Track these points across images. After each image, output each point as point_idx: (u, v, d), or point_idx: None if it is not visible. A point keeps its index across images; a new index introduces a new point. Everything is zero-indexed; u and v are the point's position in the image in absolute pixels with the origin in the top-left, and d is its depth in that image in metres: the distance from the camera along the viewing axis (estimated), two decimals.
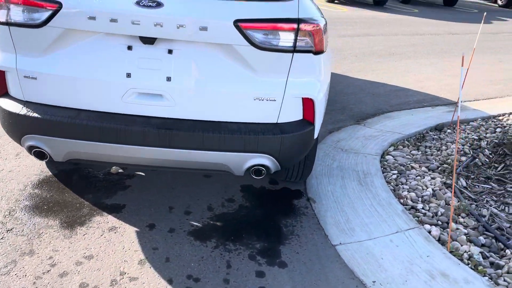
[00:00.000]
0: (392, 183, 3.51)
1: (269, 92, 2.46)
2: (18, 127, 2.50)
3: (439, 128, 4.74)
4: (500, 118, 5.21)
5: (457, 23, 13.17)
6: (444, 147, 4.30)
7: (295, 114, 2.60)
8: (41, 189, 3.07)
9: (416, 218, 3.06)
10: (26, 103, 2.49)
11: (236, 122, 2.51)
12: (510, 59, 8.75)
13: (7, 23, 2.35)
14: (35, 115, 2.43)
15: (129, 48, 2.36)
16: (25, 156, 3.45)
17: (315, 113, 2.62)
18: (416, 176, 3.64)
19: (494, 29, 12.81)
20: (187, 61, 2.38)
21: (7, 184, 3.09)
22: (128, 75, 2.38)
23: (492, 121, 5.09)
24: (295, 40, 2.39)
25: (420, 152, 4.12)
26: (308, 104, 2.58)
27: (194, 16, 2.29)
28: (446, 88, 6.46)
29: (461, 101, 5.87)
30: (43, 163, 3.36)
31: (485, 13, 4.99)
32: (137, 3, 2.26)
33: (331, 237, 2.83)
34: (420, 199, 3.33)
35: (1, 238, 2.59)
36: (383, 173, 3.65)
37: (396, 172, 3.68)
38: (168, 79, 2.39)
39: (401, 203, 3.21)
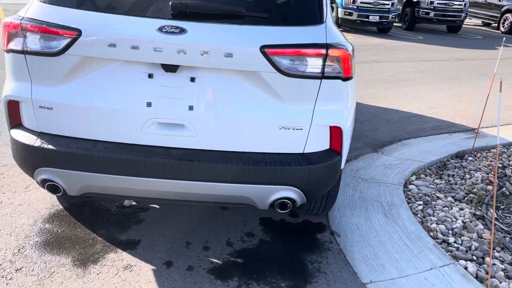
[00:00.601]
0: (419, 215, 3.33)
1: (295, 120, 2.34)
2: (31, 160, 2.37)
3: (460, 156, 4.59)
4: None
5: (463, 49, 13.17)
6: (467, 176, 4.14)
7: (322, 143, 2.46)
8: (52, 224, 2.91)
9: (449, 252, 2.87)
10: (40, 134, 2.37)
11: (261, 153, 2.37)
12: None
13: (23, 52, 2.26)
14: (50, 147, 2.31)
15: (150, 76, 2.25)
16: (35, 189, 3.31)
17: (342, 142, 2.49)
18: (443, 207, 3.47)
19: (501, 55, 12.78)
20: (210, 89, 2.27)
21: (17, 219, 2.94)
22: (149, 104, 2.26)
23: None
24: (323, 66, 2.27)
25: (444, 181, 3.96)
26: (335, 132, 2.45)
27: (219, 43, 2.18)
28: (460, 114, 6.34)
29: (480, 128, 5.75)
30: (53, 197, 3.22)
31: (504, 39, 4.91)
32: (160, 30, 2.16)
33: (360, 274, 2.65)
34: (450, 232, 3.15)
35: (10, 279, 2.42)
36: (408, 204, 3.48)
37: (421, 202, 3.52)
38: (190, 108, 2.27)
39: (431, 236, 3.03)
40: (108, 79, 2.27)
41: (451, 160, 4.48)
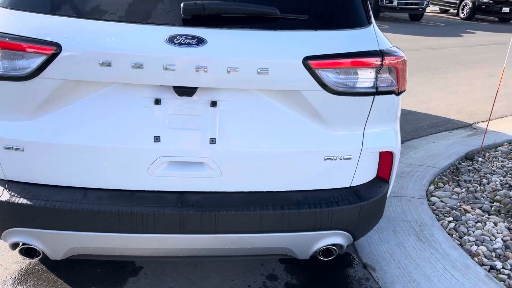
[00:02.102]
0: (454, 235, 2.95)
1: (343, 148, 1.86)
2: None
3: (469, 158, 4.27)
4: None
5: (430, 38, 13.10)
6: (485, 180, 3.82)
7: (369, 172, 2.01)
8: (25, 285, 2.30)
9: (502, 282, 2.50)
10: (8, 184, 1.77)
11: (301, 191, 1.88)
12: (499, 73, 8.54)
13: None
14: (23, 201, 1.71)
15: (157, 102, 1.70)
16: None
17: (392, 169, 2.04)
18: (476, 223, 3.11)
19: (467, 42, 12.82)
20: (237, 115, 1.75)
21: None
22: (157, 139, 1.72)
23: None
24: (376, 78, 1.80)
25: (464, 189, 3.61)
26: (385, 158, 2.00)
27: (250, 55, 1.66)
28: (452, 108, 6.07)
29: (475, 122, 5.49)
30: None
31: None
32: (171, 41, 1.61)
33: None
34: (493, 254, 2.78)
35: None
36: (438, 221, 3.09)
37: (451, 219, 3.14)
38: (212, 141, 1.74)
39: (476, 262, 2.65)
40: (99, 107, 1.70)
41: (463, 163, 4.16)
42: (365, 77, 1.78)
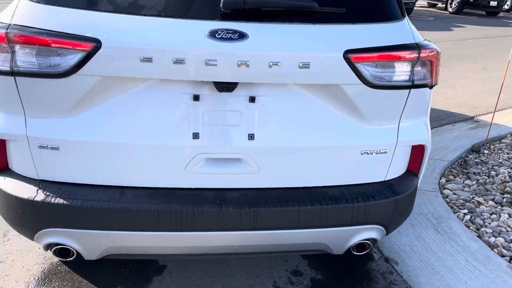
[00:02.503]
0: (471, 227, 2.98)
1: (379, 142, 1.86)
2: (31, 219, 1.73)
3: (475, 150, 4.32)
4: None
5: (421, 32, 13.04)
6: (493, 172, 3.87)
7: (401, 166, 2.01)
8: (50, 286, 2.26)
9: None
10: (42, 184, 1.73)
11: (338, 186, 1.87)
12: (492, 66, 8.66)
13: (12, 73, 1.60)
14: (58, 200, 1.68)
15: (196, 98, 1.68)
16: (15, 236, 2.62)
17: (423, 163, 2.04)
18: (491, 215, 3.14)
19: (458, 36, 12.93)
20: (275, 110, 1.74)
21: (1, 284, 2.26)
22: (195, 136, 1.69)
23: None
24: (412, 72, 1.80)
25: (474, 182, 3.65)
26: (417, 152, 2.01)
27: (292, 49, 1.64)
28: (451, 101, 6.12)
29: (476, 115, 5.55)
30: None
31: None
32: (212, 35, 1.58)
33: None
34: (511, 245, 2.81)
35: None
36: (453, 213, 3.11)
37: (466, 211, 3.17)
38: (251, 137, 1.73)
39: (496, 253, 2.68)
40: (137, 104, 1.67)
41: (470, 156, 4.20)
42: (402, 71, 1.78)
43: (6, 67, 1.60)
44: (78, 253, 1.83)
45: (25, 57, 1.58)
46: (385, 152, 1.88)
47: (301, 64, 1.64)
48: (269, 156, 1.77)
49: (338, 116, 1.79)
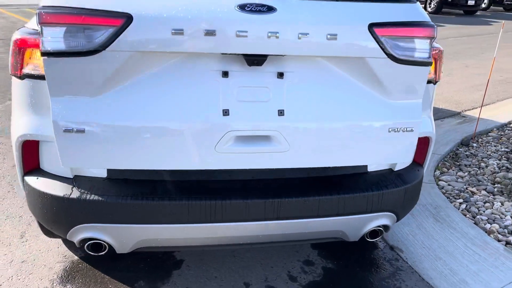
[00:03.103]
0: (467, 215, 3.15)
1: (405, 120, 1.93)
2: (66, 216, 1.82)
3: (465, 143, 4.51)
4: None
5: None
6: (483, 164, 4.06)
7: (408, 158, 2.14)
8: (74, 284, 2.34)
9: None
10: (75, 181, 1.82)
11: (354, 175, 1.99)
12: (474, 64, 8.94)
13: (41, 54, 1.62)
14: (92, 197, 1.77)
15: (225, 74, 1.74)
16: (33, 237, 2.69)
17: (427, 154, 2.19)
18: (484, 203, 3.32)
19: (439, 35, 13.19)
20: (304, 85, 1.81)
21: (27, 283, 2.34)
22: (225, 113, 1.74)
23: (508, 130, 4.97)
24: (430, 50, 1.90)
25: (466, 173, 3.83)
26: (423, 144, 2.15)
27: (320, 20, 1.72)
28: (438, 98, 6.33)
29: (463, 111, 5.77)
30: (61, 244, 2.62)
31: (503, 22, 4.85)
32: (242, 8, 1.65)
33: None
34: (505, 230, 2.99)
35: None
36: (450, 203, 3.28)
37: (461, 200, 3.34)
38: (280, 113, 1.78)
39: (493, 238, 2.85)
40: (166, 82, 1.71)
41: (460, 149, 4.39)
42: (422, 47, 1.86)
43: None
44: (110, 247, 1.92)
45: (52, 36, 1.60)
46: (412, 130, 1.94)
47: (328, 36, 1.71)
48: (299, 133, 1.82)
49: (365, 91, 1.86)
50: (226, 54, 1.72)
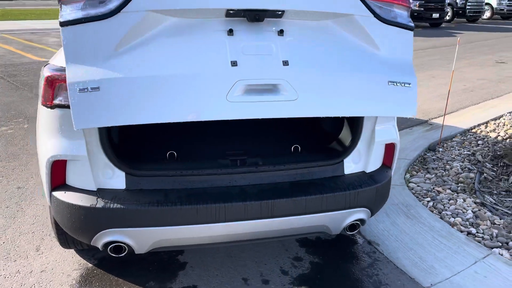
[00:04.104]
0: (434, 212, 3.56)
1: (403, 76, 2.13)
2: (93, 223, 2.13)
3: (432, 149, 4.96)
4: (474, 130, 5.61)
5: None
6: (447, 166, 4.50)
7: (379, 160, 2.54)
8: (92, 287, 2.63)
9: (478, 242, 3.11)
10: (99, 193, 2.14)
11: (331, 177, 2.35)
12: (440, 74, 9.54)
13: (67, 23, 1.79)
14: (116, 205, 2.09)
15: (230, 32, 1.96)
16: (48, 249, 2.96)
17: (394, 157, 2.59)
18: (449, 200, 3.74)
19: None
20: (303, 39, 2.04)
21: None
22: (234, 64, 1.91)
23: (470, 135, 5.45)
24: (409, 17, 2.23)
25: (433, 175, 4.26)
26: (389, 149, 2.54)
27: None
28: None
29: (430, 119, 6.25)
30: (74, 255, 2.91)
31: (458, 38, 5.36)
32: None
33: (418, 279, 2.77)
34: (467, 222, 3.41)
35: None
36: (419, 201, 3.69)
37: (429, 199, 3.76)
38: (285, 63, 1.97)
39: (456, 230, 3.26)
40: (176, 39, 1.89)
41: (427, 154, 4.83)
42: (402, 14, 2.16)
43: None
44: (129, 249, 2.23)
45: (71, 9, 1.76)
46: (410, 86, 2.13)
47: None
48: (305, 82, 1.96)
49: (361, 46, 2.10)
50: (230, 11, 1.88)
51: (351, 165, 2.45)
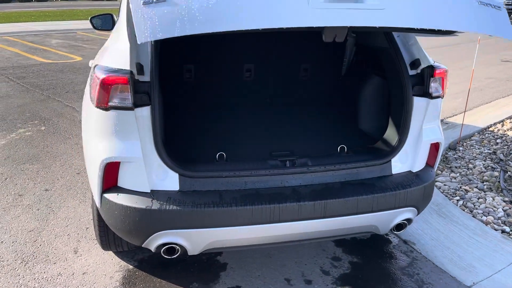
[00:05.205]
0: (465, 210, 3.57)
1: None
2: (148, 225, 2.12)
3: (452, 148, 4.98)
4: (491, 129, 5.64)
5: None
6: (470, 165, 4.52)
7: (423, 160, 2.55)
8: None
9: None
10: (153, 194, 2.13)
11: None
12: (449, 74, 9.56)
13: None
14: (171, 207, 2.08)
15: None
16: (86, 251, 2.95)
17: (438, 157, 2.60)
18: (478, 199, 3.76)
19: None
20: None
21: None
22: None
23: (487, 133, 5.48)
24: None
25: (458, 174, 4.28)
26: (434, 149, 2.55)
27: None
28: None
29: (445, 118, 6.27)
30: (113, 256, 2.90)
31: (479, 38, 5.37)
32: None
33: (460, 278, 2.78)
34: (499, 221, 3.42)
35: None
36: (449, 200, 3.70)
37: (458, 198, 3.77)
38: None
39: (491, 228, 3.27)
40: None
41: (449, 153, 4.85)
42: None
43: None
44: (183, 250, 2.22)
45: None
46: (500, 9, 1.95)
47: None
48: None
49: None
50: None
51: (398, 164, 2.46)
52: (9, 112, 5.93)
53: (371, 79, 3.04)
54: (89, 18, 4.43)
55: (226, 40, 3.30)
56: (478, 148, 5.00)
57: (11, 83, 7.64)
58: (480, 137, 5.37)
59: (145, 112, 2.07)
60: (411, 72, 2.48)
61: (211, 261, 2.89)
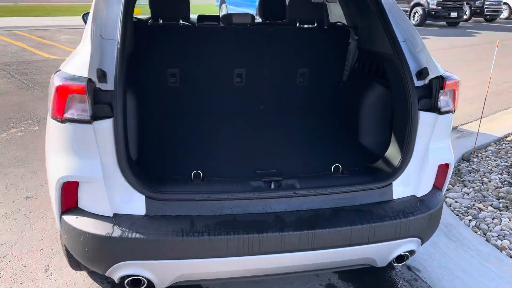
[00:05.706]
0: (478, 232, 3.25)
1: None
2: (108, 254, 1.86)
3: (466, 159, 4.64)
4: (509, 139, 5.27)
5: None
6: (485, 179, 4.18)
7: (429, 183, 2.24)
8: None
9: None
10: (115, 219, 1.86)
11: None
12: (462, 76, 9.08)
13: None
14: (134, 235, 1.81)
15: None
16: (57, 269, 2.71)
17: (447, 178, 2.28)
18: (493, 219, 3.42)
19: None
20: None
21: None
22: None
23: (505, 143, 5.12)
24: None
25: (471, 189, 3.94)
26: (442, 170, 2.24)
27: None
28: None
29: (459, 125, 5.92)
30: (85, 277, 2.65)
31: (498, 41, 5.02)
32: None
33: None
34: None
35: None
36: (460, 220, 3.38)
37: (470, 217, 3.45)
38: None
39: (505, 255, 2.95)
40: None
41: (462, 165, 4.51)
42: None
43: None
44: (149, 283, 1.96)
45: None
46: None
47: None
48: None
49: None
50: None
51: (401, 188, 2.16)
52: (4, 110, 5.75)
53: (374, 88, 2.73)
54: (82, 15, 4.19)
55: (217, 41, 3.02)
56: (494, 160, 4.64)
57: (12, 79, 7.47)
58: (497, 147, 5.01)
59: (106, 125, 1.80)
60: (418, 83, 2.16)
61: (192, 286, 2.62)
